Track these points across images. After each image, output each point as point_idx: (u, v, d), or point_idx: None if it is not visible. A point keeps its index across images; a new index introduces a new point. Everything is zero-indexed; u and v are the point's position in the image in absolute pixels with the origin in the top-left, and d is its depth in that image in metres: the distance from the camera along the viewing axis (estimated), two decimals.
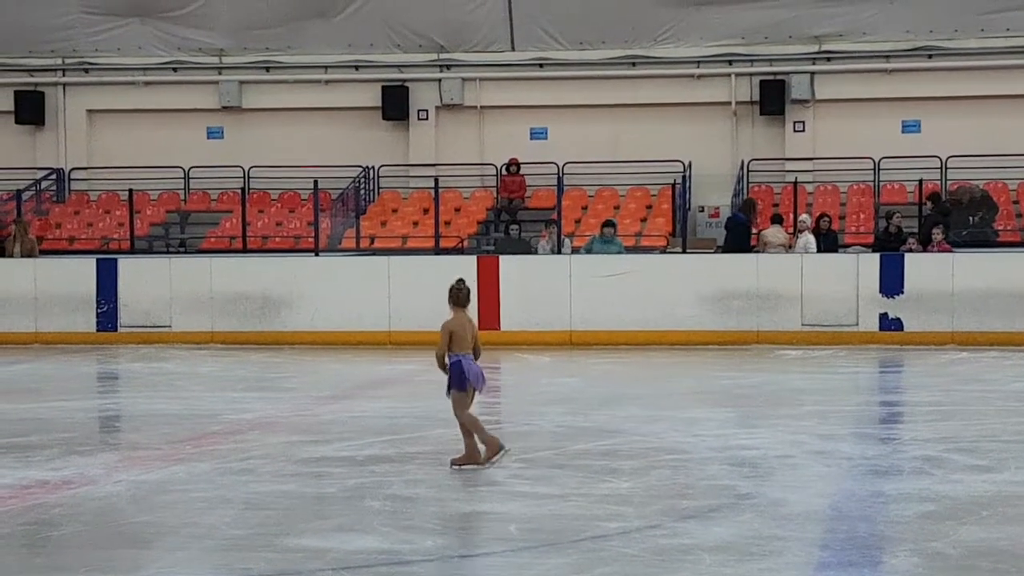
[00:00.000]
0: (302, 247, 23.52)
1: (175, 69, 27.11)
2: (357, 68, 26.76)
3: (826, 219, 21.35)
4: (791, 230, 21.19)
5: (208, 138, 27.16)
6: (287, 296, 20.51)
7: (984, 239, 21.66)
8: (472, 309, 19.66)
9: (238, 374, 17.28)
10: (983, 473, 9.57)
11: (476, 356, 10.08)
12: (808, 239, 20.49)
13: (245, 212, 23.55)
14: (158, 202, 26.47)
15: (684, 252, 21.57)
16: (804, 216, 21.28)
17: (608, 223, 21.31)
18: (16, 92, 27.26)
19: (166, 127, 27.05)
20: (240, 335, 20.35)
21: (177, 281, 20.76)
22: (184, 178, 26.82)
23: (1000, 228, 22.66)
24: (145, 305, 20.75)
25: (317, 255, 21.87)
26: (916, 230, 21.06)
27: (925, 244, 20.37)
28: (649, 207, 25.14)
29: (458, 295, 10.20)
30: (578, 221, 24.41)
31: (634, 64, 26.05)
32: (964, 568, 7.03)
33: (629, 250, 21.81)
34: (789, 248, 20.59)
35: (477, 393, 10.03)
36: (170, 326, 20.65)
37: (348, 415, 13.04)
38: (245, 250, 22.95)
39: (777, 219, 21.22)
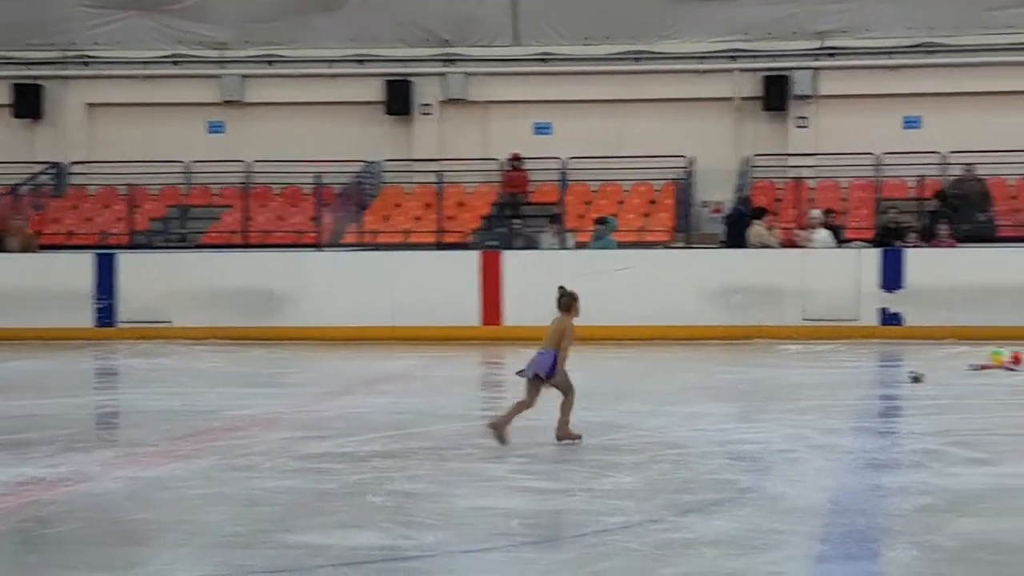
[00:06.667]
0: (304, 242, 23.52)
1: (176, 63, 27.12)
2: (361, 62, 26.75)
3: (831, 215, 21.33)
4: (774, 226, 21.06)
5: (209, 132, 27.18)
6: (289, 291, 20.51)
7: (984, 234, 21.65)
8: (474, 303, 19.83)
9: (239, 370, 17.27)
10: (981, 466, 9.57)
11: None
12: (823, 234, 20.42)
13: (247, 207, 23.53)
14: (158, 197, 26.46)
15: (687, 247, 21.55)
16: (816, 211, 21.22)
17: (599, 220, 21.40)
18: (14, 86, 27.26)
19: (167, 121, 27.05)
20: (241, 330, 20.33)
21: (178, 276, 20.77)
22: (185, 172, 26.82)
23: (1001, 223, 22.65)
24: (145, 300, 20.74)
25: (320, 250, 21.87)
26: (917, 225, 21.05)
27: (929, 239, 20.36)
28: (652, 202, 25.14)
29: (557, 302, 11.10)
30: (581, 216, 24.40)
31: (638, 59, 26.05)
32: (961, 560, 7.03)
33: (632, 245, 21.83)
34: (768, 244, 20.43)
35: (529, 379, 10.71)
36: (170, 321, 20.65)
37: (350, 411, 13.01)
38: (247, 245, 22.93)
39: (758, 214, 21.03)
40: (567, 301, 11.09)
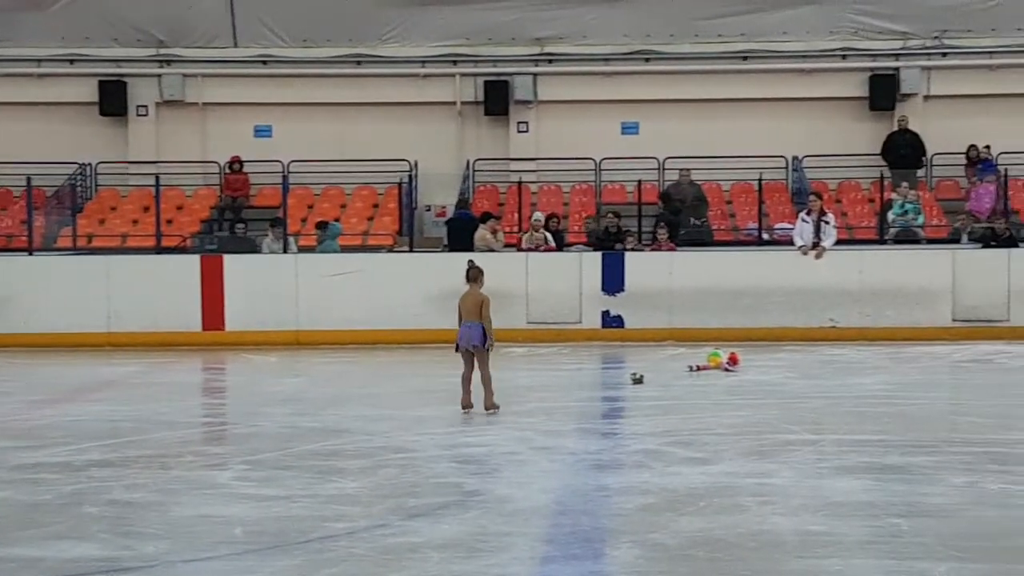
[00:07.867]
0: (15, 246, 22.62)
1: None
2: (72, 62, 25.93)
3: (555, 219, 21.75)
4: (496, 232, 21.38)
5: None
6: None
7: (700, 238, 22.35)
8: (195, 308, 19.40)
9: None
10: (700, 465, 9.85)
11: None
12: (545, 235, 20.82)
13: None
14: None
15: (411, 251, 21.60)
16: (538, 214, 21.60)
17: (320, 224, 21.45)
18: None
19: None
20: None
21: None
22: None
23: (716, 228, 23.43)
24: None
25: (31, 254, 21.08)
26: (636, 229, 21.57)
27: (651, 243, 20.90)
28: (376, 206, 25.11)
29: (466, 274, 12.40)
30: (304, 220, 24.19)
31: (359, 63, 25.98)
32: (682, 557, 7.22)
33: (356, 249, 21.81)
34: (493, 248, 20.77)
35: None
36: None
37: (65, 419, 12.58)
38: None
39: (483, 218, 21.36)
40: (474, 273, 12.28)
